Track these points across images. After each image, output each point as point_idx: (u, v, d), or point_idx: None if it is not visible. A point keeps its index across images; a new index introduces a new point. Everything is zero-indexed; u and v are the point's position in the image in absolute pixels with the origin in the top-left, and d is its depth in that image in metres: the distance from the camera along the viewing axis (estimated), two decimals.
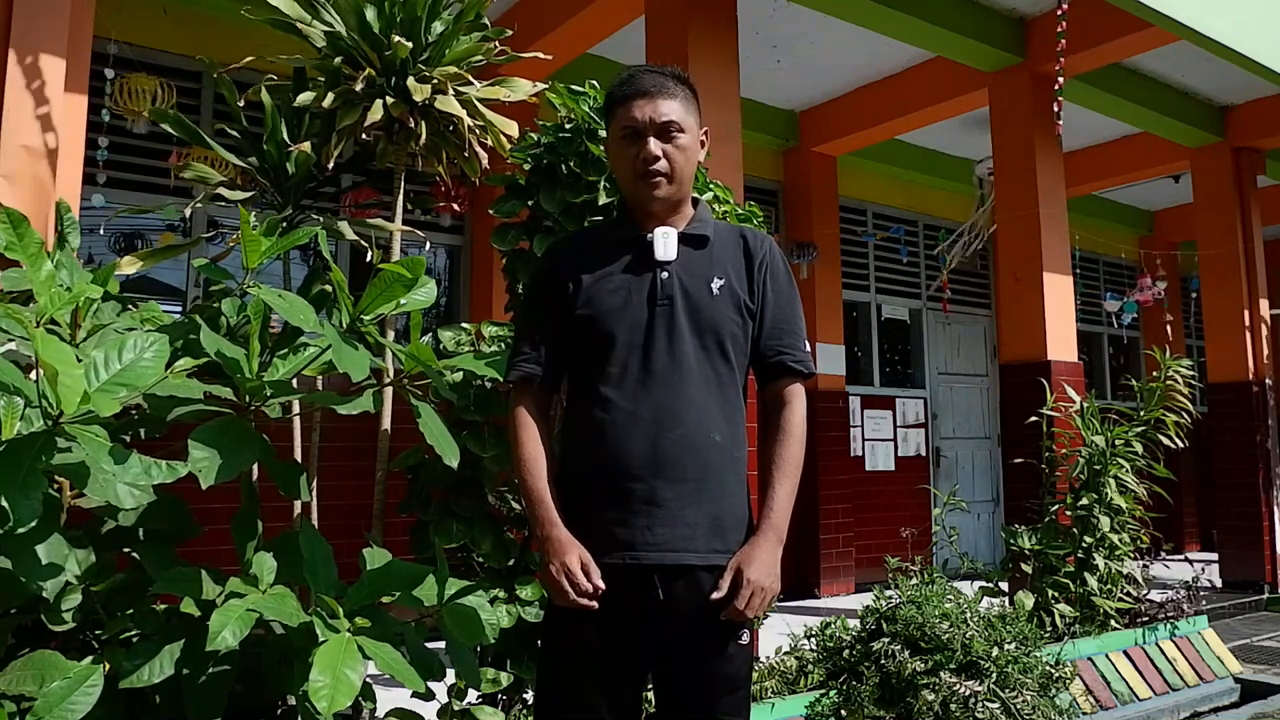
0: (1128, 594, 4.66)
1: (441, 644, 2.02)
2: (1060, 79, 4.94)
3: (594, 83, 2.83)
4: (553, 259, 1.94)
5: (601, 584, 1.70)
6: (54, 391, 1.47)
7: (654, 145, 1.81)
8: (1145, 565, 4.87)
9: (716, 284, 1.83)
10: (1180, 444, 4.88)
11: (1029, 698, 2.98)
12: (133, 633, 1.82)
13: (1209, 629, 4.73)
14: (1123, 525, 4.68)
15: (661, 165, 1.82)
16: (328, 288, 2.37)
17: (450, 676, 2.11)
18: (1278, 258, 10.17)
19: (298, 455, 2.55)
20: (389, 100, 2.54)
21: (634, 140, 1.83)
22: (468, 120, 2.61)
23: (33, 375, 1.72)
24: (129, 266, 2.46)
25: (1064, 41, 4.84)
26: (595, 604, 1.69)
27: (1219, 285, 7.93)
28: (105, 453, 1.54)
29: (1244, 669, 4.73)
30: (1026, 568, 4.65)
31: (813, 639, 3.47)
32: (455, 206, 5.84)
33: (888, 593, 3.30)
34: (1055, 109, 4.90)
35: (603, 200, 2.69)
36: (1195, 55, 6.49)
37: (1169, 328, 8.68)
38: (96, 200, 4.71)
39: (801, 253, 7.49)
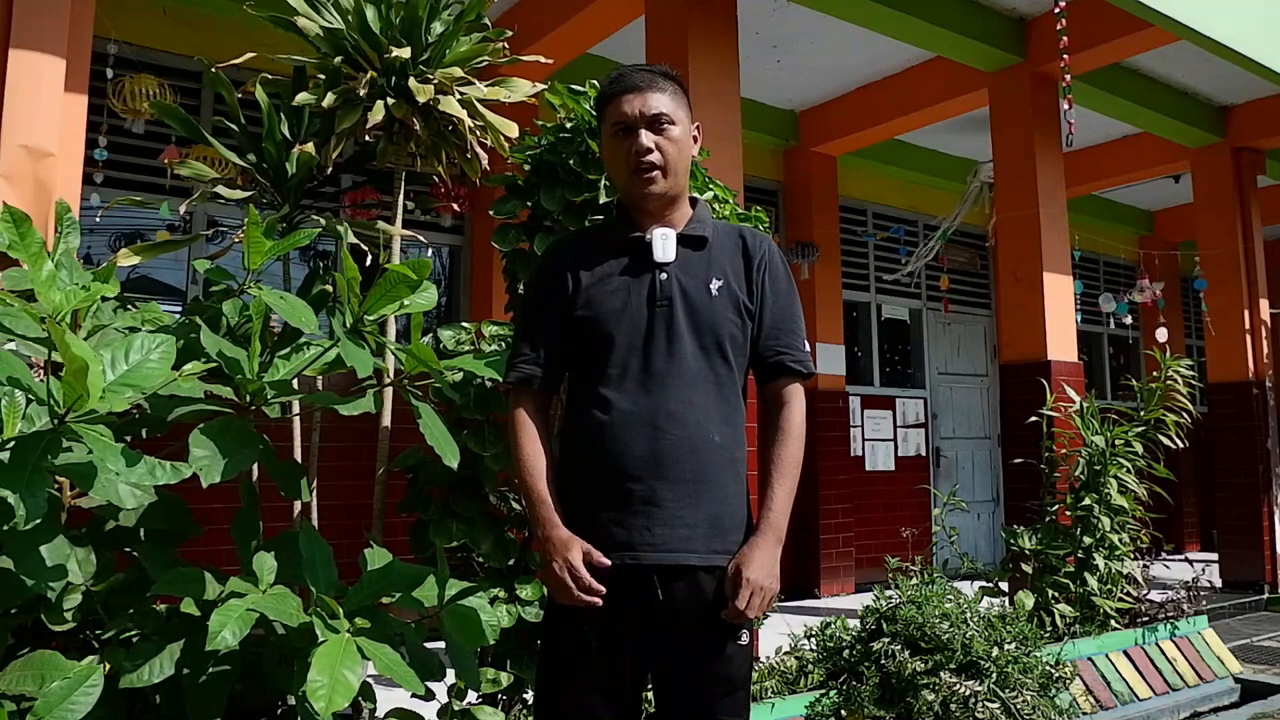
0: (1128, 594, 4.66)
1: (441, 644, 2.02)
2: (1067, 77, 4.92)
3: (594, 82, 2.83)
4: (552, 260, 1.94)
5: (608, 561, 1.70)
6: (67, 388, 1.47)
7: (645, 137, 1.82)
8: (1145, 565, 4.87)
9: (715, 285, 1.83)
10: (1180, 444, 4.88)
11: (1029, 698, 2.98)
12: (133, 633, 1.82)
13: (1209, 629, 4.73)
14: (1123, 525, 4.68)
15: (655, 157, 1.82)
16: (328, 288, 2.37)
17: (450, 676, 2.11)
18: (1278, 258, 10.17)
19: (298, 455, 2.55)
20: (390, 101, 2.54)
21: (626, 135, 1.84)
22: (468, 121, 2.61)
23: (34, 374, 1.72)
24: (126, 259, 2.46)
25: (1065, 39, 4.83)
26: (599, 600, 1.69)
27: (1219, 285, 7.93)
28: (114, 453, 1.54)
29: (1244, 669, 4.73)
30: (1026, 568, 4.65)
31: (813, 639, 3.47)
32: (455, 207, 5.85)
33: (888, 593, 3.30)
34: (1065, 107, 4.88)
35: (603, 199, 2.69)
36: (1195, 55, 6.49)
37: (1163, 330, 8.66)
38: (94, 199, 4.71)
39: (802, 253, 7.49)
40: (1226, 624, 6.35)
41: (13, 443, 1.51)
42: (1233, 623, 6.48)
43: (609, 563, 1.70)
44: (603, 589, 1.70)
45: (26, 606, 1.76)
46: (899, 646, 3.03)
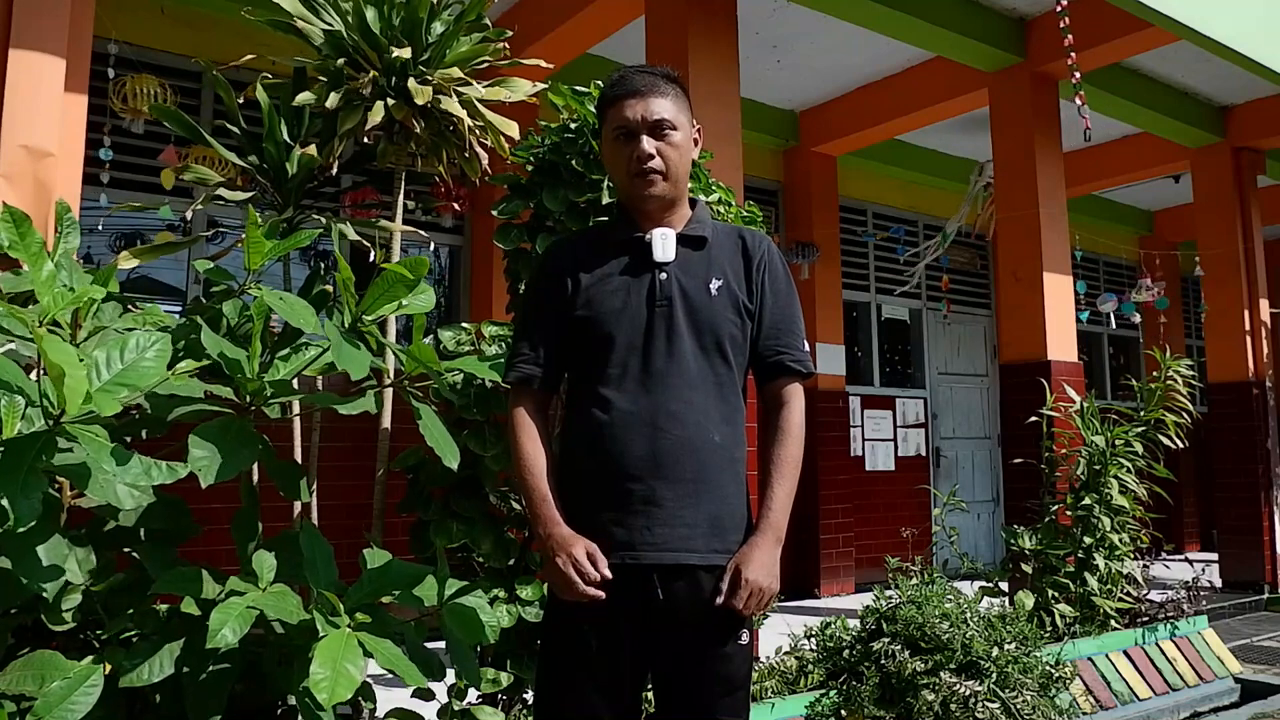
0: (1128, 594, 4.66)
1: (441, 644, 2.02)
2: (1076, 74, 4.91)
3: (598, 83, 2.83)
4: (551, 260, 1.94)
5: (609, 573, 1.70)
6: (57, 391, 1.47)
7: (647, 143, 1.82)
8: (1145, 565, 4.87)
9: (715, 285, 1.84)
10: (1180, 444, 4.88)
11: (1029, 698, 2.98)
12: (133, 632, 1.82)
13: (1209, 629, 4.73)
14: (1123, 525, 4.68)
15: (656, 163, 1.82)
16: (328, 288, 2.37)
17: (450, 676, 2.11)
18: (1278, 258, 10.17)
19: (298, 455, 2.55)
20: (390, 101, 2.54)
21: (628, 140, 1.84)
22: (468, 121, 2.61)
23: (33, 375, 1.72)
24: (126, 262, 2.46)
25: (1070, 37, 4.82)
26: (603, 594, 1.69)
27: (1219, 285, 7.93)
28: (106, 453, 1.54)
29: (1244, 669, 4.73)
30: (1026, 568, 4.65)
31: (813, 639, 3.47)
32: (456, 207, 5.85)
33: (888, 593, 3.30)
34: (1078, 103, 4.86)
35: (606, 199, 2.70)
36: (1195, 55, 6.49)
37: (1162, 328, 8.68)
38: (103, 200, 4.71)
39: (801, 253, 7.49)
40: (1226, 624, 6.35)
41: (5, 445, 1.51)
42: (1233, 623, 6.48)
43: (609, 575, 1.70)
44: (609, 574, 1.70)
45: (26, 606, 1.76)
46: (899, 646, 3.03)
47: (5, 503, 1.44)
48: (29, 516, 1.45)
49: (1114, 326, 9.72)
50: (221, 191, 2.58)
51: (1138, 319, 9.11)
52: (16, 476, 1.46)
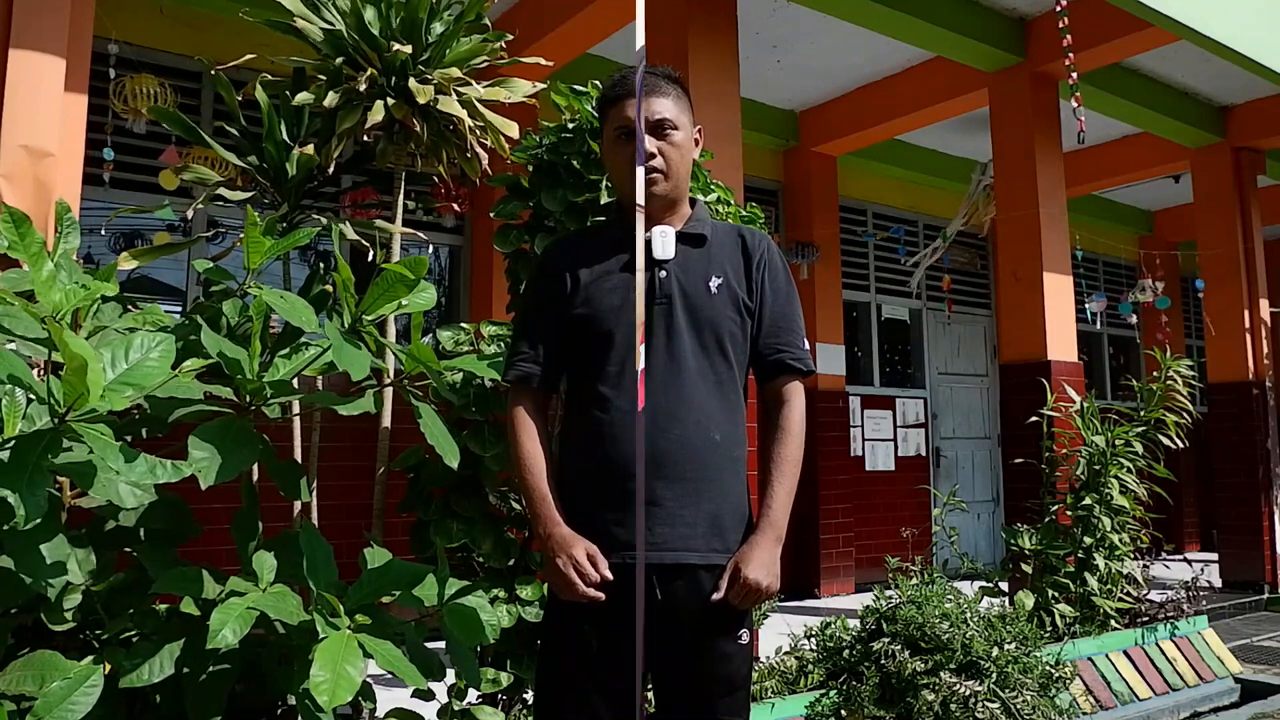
0: (1128, 594, 4.66)
1: (441, 644, 2.02)
2: (1074, 75, 4.92)
3: (597, 83, 2.83)
4: (550, 259, 1.94)
5: (609, 574, 1.70)
6: (69, 385, 1.47)
7: (649, 143, 1.82)
8: (1145, 565, 4.87)
9: (715, 283, 1.84)
10: (1180, 444, 4.88)
11: (1029, 698, 2.98)
12: (133, 633, 1.82)
13: (1209, 629, 4.73)
14: (1123, 525, 4.68)
15: (657, 162, 1.83)
16: (328, 288, 2.37)
17: (450, 676, 2.11)
18: (1278, 258, 10.17)
19: (298, 455, 2.55)
20: (390, 101, 2.54)
21: (629, 140, 1.84)
22: (468, 121, 2.61)
23: (35, 374, 1.72)
24: (127, 263, 2.46)
25: (1070, 37, 4.82)
26: (603, 595, 1.69)
27: (1219, 285, 7.93)
28: (114, 451, 1.53)
29: (1244, 669, 4.73)
30: (1026, 568, 4.65)
31: (813, 639, 3.47)
32: (456, 207, 5.85)
33: (888, 593, 3.30)
34: (1075, 105, 4.87)
35: (605, 199, 2.70)
36: (1195, 55, 6.50)
37: (1165, 329, 8.68)
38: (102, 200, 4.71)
39: (801, 253, 7.49)
40: (1226, 624, 6.35)
41: (13, 442, 1.51)
42: (1233, 623, 6.48)
43: (610, 576, 1.70)
44: (609, 575, 1.70)
45: (26, 606, 1.76)
46: (899, 646, 3.03)
47: (11, 500, 1.45)
48: (36, 513, 1.45)
49: (1099, 326, 9.72)
50: (221, 191, 2.58)
51: (1134, 320, 9.11)
52: (23, 474, 1.46)
